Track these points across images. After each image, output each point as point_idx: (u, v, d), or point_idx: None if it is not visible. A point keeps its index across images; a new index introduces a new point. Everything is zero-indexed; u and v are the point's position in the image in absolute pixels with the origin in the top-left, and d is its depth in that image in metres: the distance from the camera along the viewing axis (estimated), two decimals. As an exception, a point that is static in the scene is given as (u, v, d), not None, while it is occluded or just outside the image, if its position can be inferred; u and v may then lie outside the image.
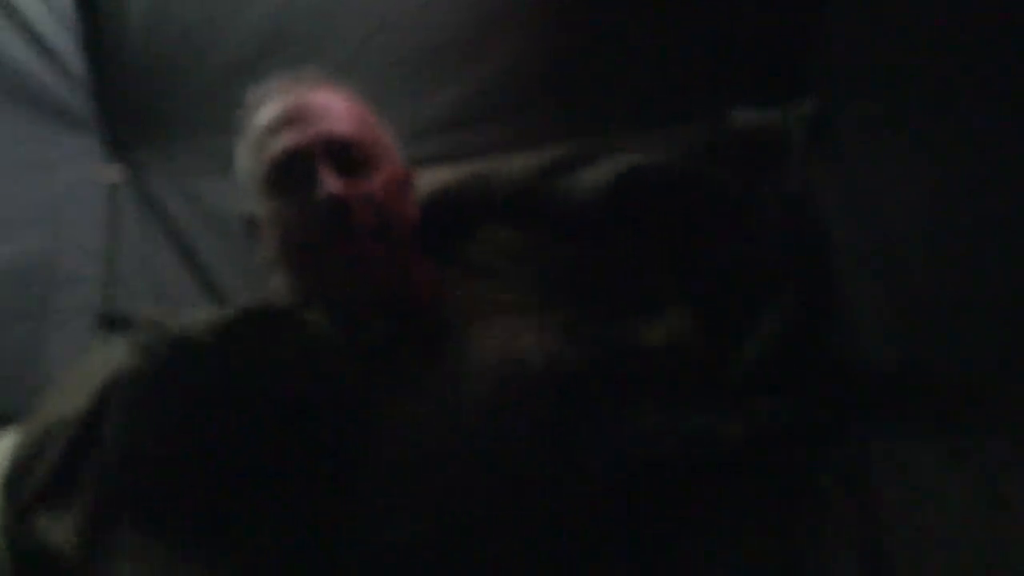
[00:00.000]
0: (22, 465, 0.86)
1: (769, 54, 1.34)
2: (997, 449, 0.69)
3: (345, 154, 0.92)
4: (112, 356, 1.00)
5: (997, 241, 1.10)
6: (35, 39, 1.61)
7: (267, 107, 0.96)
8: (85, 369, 1.01)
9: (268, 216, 0.94)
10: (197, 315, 0.93)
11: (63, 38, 1.63)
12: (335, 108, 0.96)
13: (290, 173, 0.91)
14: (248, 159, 0.97)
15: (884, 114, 1.24)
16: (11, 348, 1.60)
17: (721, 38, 1.35)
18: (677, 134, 1.40)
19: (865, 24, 1.24)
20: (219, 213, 1.63)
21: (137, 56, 1.60)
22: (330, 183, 0.88)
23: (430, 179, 1.47)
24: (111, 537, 0.80)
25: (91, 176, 1.69)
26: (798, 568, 0.71)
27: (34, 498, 0.82)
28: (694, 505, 0.76)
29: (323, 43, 1.52)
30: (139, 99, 1.64)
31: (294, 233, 0.91)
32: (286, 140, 0.91)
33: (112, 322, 0.97)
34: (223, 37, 1.56)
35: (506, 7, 1.43)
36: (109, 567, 0.77)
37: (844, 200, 1.31)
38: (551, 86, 1.45)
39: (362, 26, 1.50)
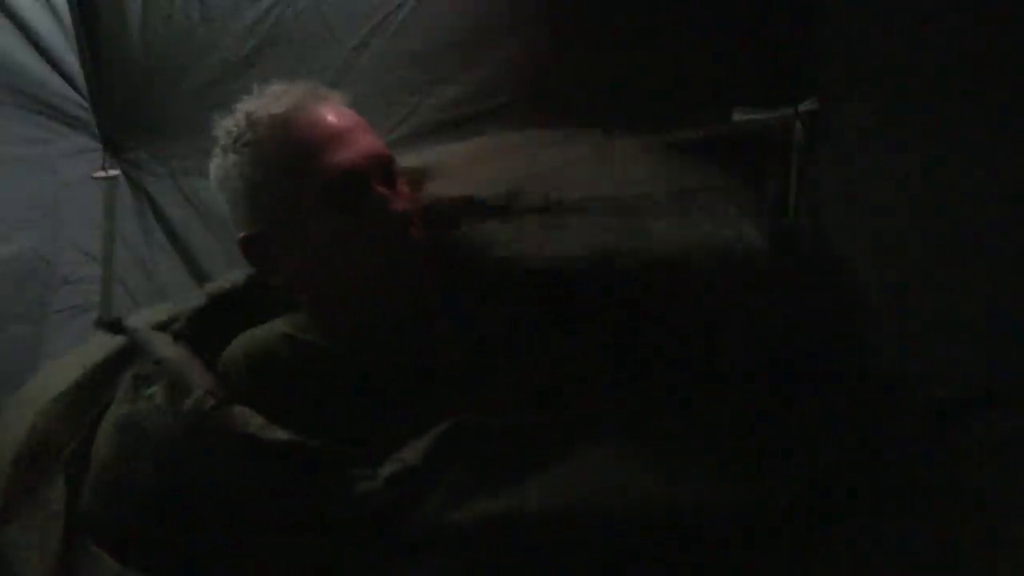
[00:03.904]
0: None
1: (769, 55, 1.33)
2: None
3: (387, 168, 0.92)
4: (57, 373, 1.01)
5: (997, 238, 1.11)
6: (34, 40, 1.61)
7: (298, 125, 0.91)
8: (29, 392, 1.00)
9: (321, 235, 0.89)
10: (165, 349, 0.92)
11: (61, 39, 1.63)
12: (361, 123, 0.94)
13: (346, 193, 0.88)
14: (279, 178, 0.91)
15: (883, 114, 1.24)
16: (10, 348, 1.60)
17: (721, 39, 1.34)
18: (678, 135, 1.40)
19: (864, 25, 1.23)
20: (216, 213, 1.63)
21: (134, 57, 1.60)
22: (395, 200, 0.88)
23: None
24: (80, 557, 0.81)
25: (89, 176, 1.69)
26: None
27: None
28: None
29: (320, 45, 1.52)
30: (136, 100, 1.64)
31: (354, 251, 0.89)
32: (339, 159, 0.88)
33: (109, 326, 0.96)
34: (220, 38, 1.55)
35: (502, 10, 1.42)
36: None
37: (844, 200, 1.31)
38: (550, 87, 1.45)
39: (358, 28, 1.49)
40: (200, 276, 1.64)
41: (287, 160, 0.90)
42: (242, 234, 0.96)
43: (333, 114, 0.92)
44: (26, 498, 0.84)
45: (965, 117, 1.11)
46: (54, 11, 1.61)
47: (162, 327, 0.99)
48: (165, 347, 0.91)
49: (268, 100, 0.94)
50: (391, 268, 0.89)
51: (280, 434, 0.78)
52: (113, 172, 1.70)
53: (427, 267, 0.92)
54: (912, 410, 0.97)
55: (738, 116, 1.37)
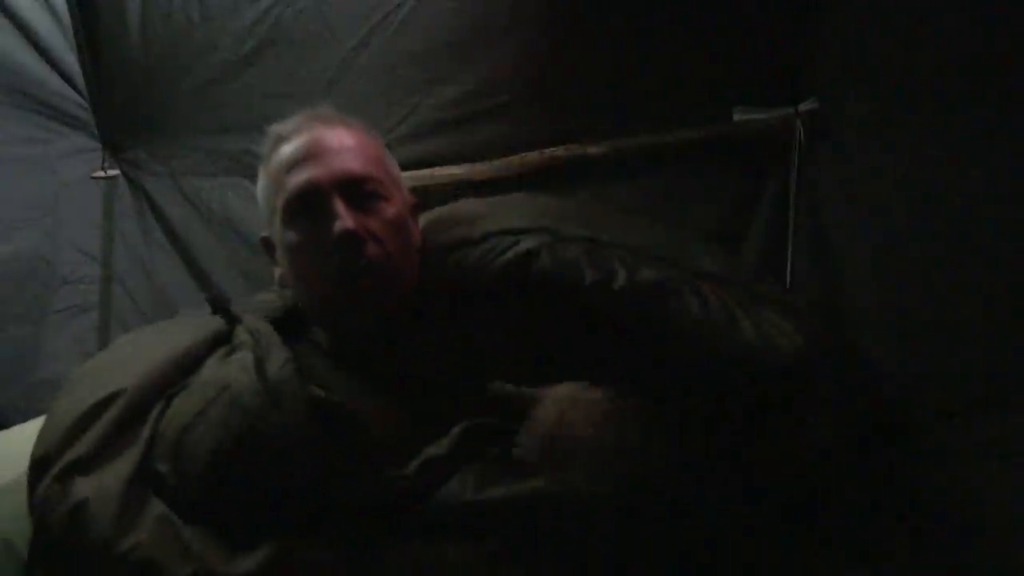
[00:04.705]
0: (67, 434, 0.90)
1: (769, 55, 1.34)
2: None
3: (357, 189, 0.97)
4: (147, 341, 1.06)
5: (996, 238, 1.11)
6: (33, 40, 1.61)
7: (287, 144, 1.01)
8: (126, 354, 1.04)
9: (284, 244, 0.99)
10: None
11: (61, 39, 1.63)
12: (348, 145, 1.00)
13: (307, 207, 0.96)
14: (268, 191, 1.03)
15: (883, 114, 1.24)
16: (10, 348, 1.60)
17: (721, 39, 1.34)
18: (678, 135, 1.41)
19: (864, 26, 1.24)
20: (215, 212, 1.63)
21: (134, 57, 1.60)
22: (345, 218, 0.93)
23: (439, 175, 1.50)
24: (142, 502, 0.84)
25: (88, 176, 1.68)
26: None
27: (76, 464, 0.87)
28: None
29: (320, 45, 1.52)
30: (136, 99, 1.64)
31: (309, 262, 0.97)
32: (303, 176, 0.97)
33: (215, 302, 1.05)
34: (219, 38, 1.55)
35: (502, 10, 1.43)
36: (135, 524, 0.82)
37: (844, 200, 1.32)
38: (550, 87, 1.45)
39: (358, 28, 1.49)
40: (200, 276, 1.64)
41: (273, 174, 1.01)
42: (261, 235, 1.09)
43: (318, 137, 1.00)
44: (108, 453, 0.89)
45: (965, 117, 1.11)
46: (54, 11, 1.60)
47: None
48: (259, 324, 0.99)
49: (286, 122, 1.04)
50: (340, 280, 0.94)
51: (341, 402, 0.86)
52: (112, 172, 1.69)
53: (388, 283, 0.96)
54: (911, 412, 0.99)
55: (738, 116, 1.37)
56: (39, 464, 0.88)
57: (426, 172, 1.52)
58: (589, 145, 1.44)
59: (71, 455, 0.87)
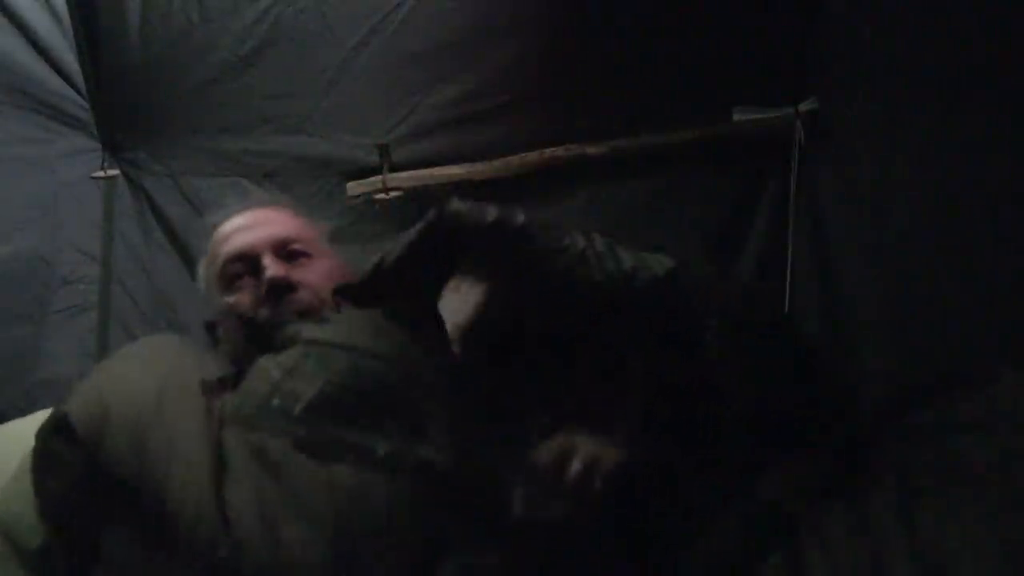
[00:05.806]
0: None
1: (769, 55, 1.34)
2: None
3: (285, 248, 1.14)
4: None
5: (996, 238, 1.11)
6: (33, 40, 1.61)
7: (223, 226, 1.18)
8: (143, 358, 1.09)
9: (225, 309, 1.12)
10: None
11: (61, 39, 1.63)
12: (275, 218, 1.19)
13: (240, 271, 1.12)
14: (208, 271, 1.18)
15: (884, 114, 1.24)
16: (10, 348, 1.60)
17: (722, 40, 1.35)
18: (678, 135, 1.41)
19: (865, 25, 1.24)
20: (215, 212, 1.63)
21: (134, 57, 1.60)
22: (273, 267, 1.09)
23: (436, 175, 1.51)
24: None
25: (87, 176, 1.68)
26: None
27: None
28: None
29: (320, 44, 1.52)
30: (136, 100, 1.64)
31: (247, 311, 1.09)
32: (236, 242, 1.14)
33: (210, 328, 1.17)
34: (219, 38, 1.55)
35: (502, 10, 1.43)
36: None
37: (844, 200, 1.32)
38: (549, 87, 1.45)
39: (358, 28, 1.49)
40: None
41: (211, 255, 1.18)
42: (204, 320, 1.21)
43: (248, 216, 1.19)
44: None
45: (973, 118, 1.11)
46: (53, 11, 1.60)
47: None
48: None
49: (230, 216, 1.21)
50: (272, 327, 1.05)
51: None
52: (112, 172, 1.69)
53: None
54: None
55: (738, 116, 1.37)
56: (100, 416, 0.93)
57: (426, 172, 1.52)
58: (589, 145, 1.44)
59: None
